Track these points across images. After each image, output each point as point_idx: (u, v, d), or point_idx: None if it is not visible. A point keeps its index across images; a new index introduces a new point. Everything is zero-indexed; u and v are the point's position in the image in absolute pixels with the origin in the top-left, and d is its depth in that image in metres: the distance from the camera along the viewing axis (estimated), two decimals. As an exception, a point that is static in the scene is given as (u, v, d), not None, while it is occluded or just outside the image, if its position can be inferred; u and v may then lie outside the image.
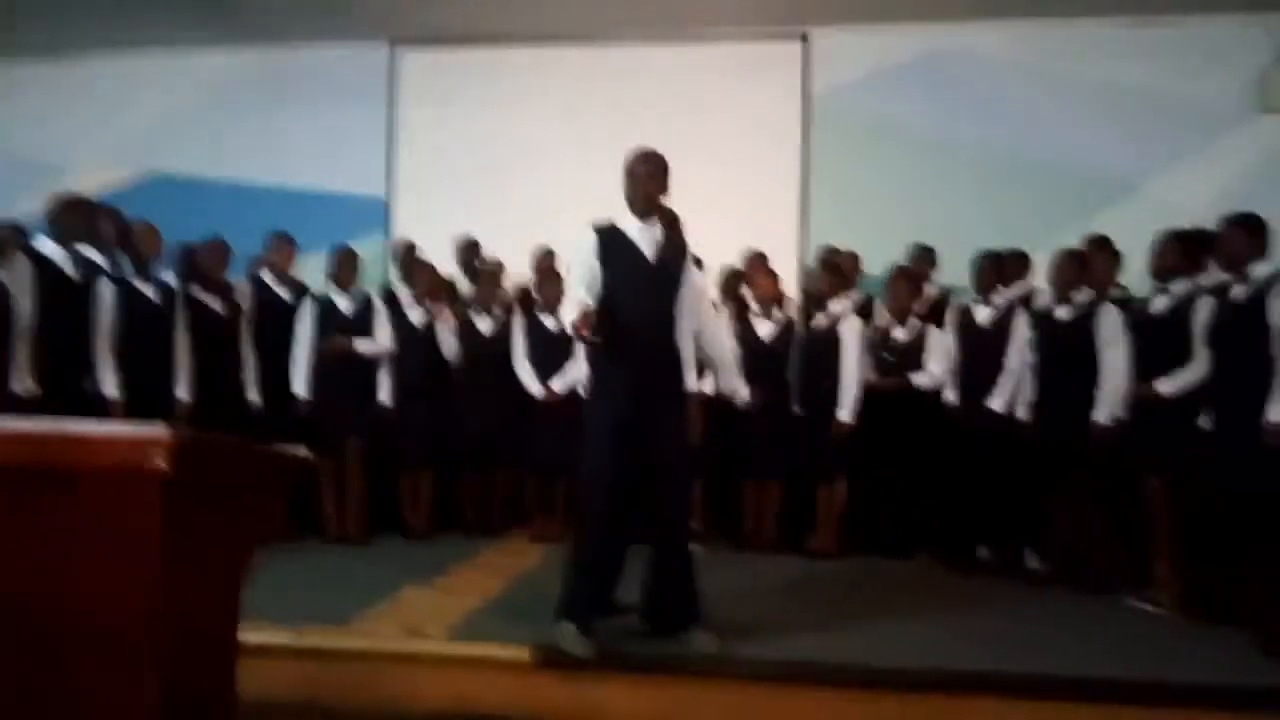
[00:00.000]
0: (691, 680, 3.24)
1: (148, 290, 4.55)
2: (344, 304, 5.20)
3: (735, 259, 5.68)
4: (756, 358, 5.02)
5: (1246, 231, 3.71)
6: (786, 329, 5.23)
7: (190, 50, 7.12)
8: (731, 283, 5.60)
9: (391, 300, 5.42)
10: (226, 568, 2.02)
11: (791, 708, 3.16)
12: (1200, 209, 5.20)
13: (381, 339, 5.22)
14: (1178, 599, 3.99)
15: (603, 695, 3.25)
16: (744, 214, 6.26)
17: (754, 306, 5.27)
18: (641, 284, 3.34)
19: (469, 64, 6.90)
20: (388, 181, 6.98)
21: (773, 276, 5.30)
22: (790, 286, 5.81)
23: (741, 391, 4.48)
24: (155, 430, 1.65)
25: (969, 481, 4.79)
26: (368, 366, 5.19)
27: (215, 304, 4.97)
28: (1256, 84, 6.11)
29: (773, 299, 5.23)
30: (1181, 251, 4.14)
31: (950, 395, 4.89)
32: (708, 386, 4.59)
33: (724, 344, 3.79)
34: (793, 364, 5.17)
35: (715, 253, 5.56)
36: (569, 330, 3.26)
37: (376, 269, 6.59)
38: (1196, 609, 3.89)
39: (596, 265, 3.35)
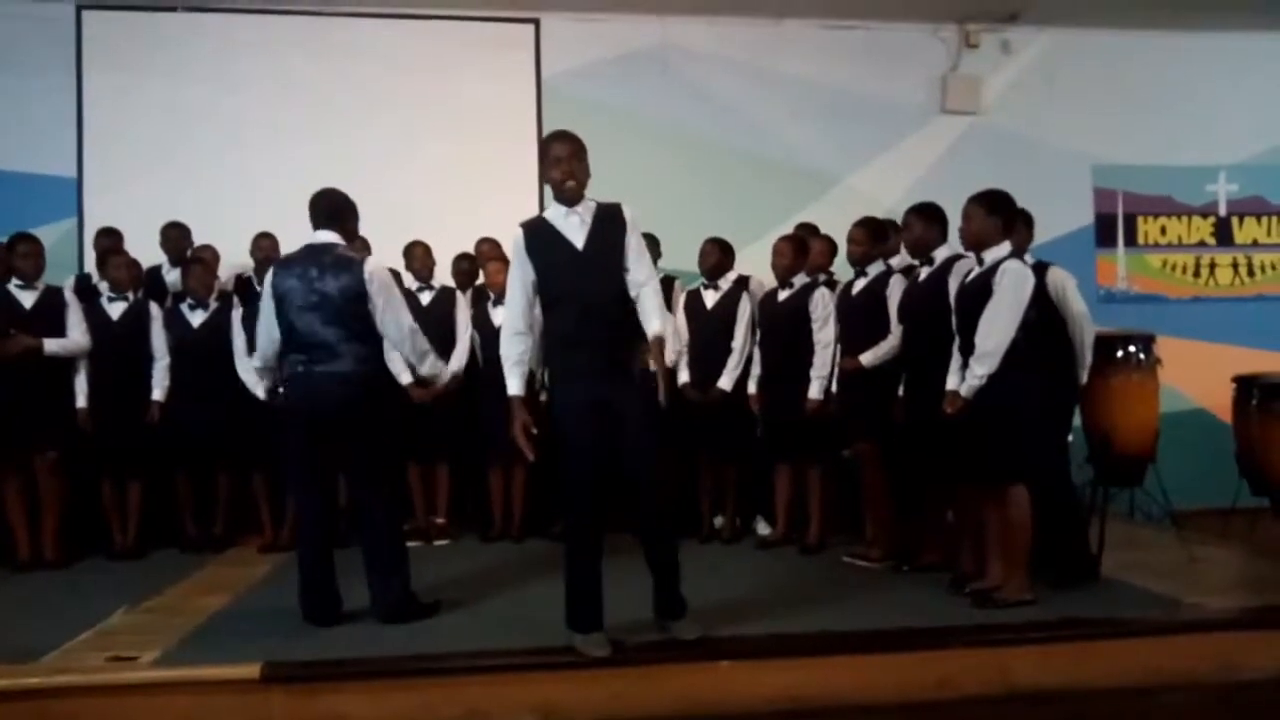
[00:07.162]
0: (431, 680, 3.18)
1: None
2: (26, 298, 4.72)
3: (473, 241, 5.59)
4: (491, 344, 4.94)
5: (926, 220, 4.15)
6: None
7: None
8: (461, 266, 5.53)
9: (85, 293, 4.89)
10: None
11: (539, 692, 3.18)
12: (895, 200, 5.80)
13: (75, 336, 4.77)
14: (886, 553, 4.41)
15: (341, 705, 3.14)
16: (484, 195, 6.15)
17: (491, 294, 5.21)
18: (572, 274, 3.24)
19: (168, 30, 6.25)
20: (79, 160, 6.21)
21: (504, 263, 5.24)
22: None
23: None
24: None
25: (705, 457, 5.02)
26: (59, 368, 4.72)
27: None
28: (939, 86, 6.81)
29: (503, 286, 5.18)
30: (868, 237, 4.57)
31: (684, 375, 5.07)
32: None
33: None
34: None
35: (454, 234, 5.54)
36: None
37: (68, 258, 5.90)
38: (902, 561, 4.33)
39: (526, 262, 3.27)
